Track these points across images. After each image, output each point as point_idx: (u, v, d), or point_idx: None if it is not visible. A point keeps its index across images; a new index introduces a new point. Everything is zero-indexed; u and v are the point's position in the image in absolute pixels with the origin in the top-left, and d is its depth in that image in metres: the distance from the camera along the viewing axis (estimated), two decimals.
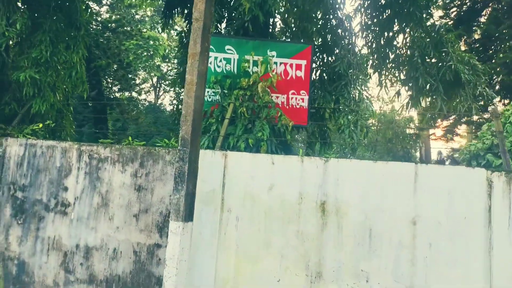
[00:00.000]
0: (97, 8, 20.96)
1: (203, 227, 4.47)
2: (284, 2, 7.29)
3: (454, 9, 16.90)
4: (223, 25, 6.90)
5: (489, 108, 4.14)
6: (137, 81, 24.03)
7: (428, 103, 7.31)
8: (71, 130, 7.31)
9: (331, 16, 6.52)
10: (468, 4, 16.17)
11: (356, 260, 3.96)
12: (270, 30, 7.11)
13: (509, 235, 3.59)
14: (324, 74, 7.09)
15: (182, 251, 4.05)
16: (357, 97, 6.24)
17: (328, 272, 4.02)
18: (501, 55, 12.33)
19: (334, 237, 4.07)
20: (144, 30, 20.44)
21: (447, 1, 15.94)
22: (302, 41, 6.81)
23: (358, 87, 6.34)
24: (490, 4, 15.55)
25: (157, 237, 4.66)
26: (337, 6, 6.55)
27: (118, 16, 20.96)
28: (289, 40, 7.61)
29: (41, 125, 5.93)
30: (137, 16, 21.34)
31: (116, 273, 4.69)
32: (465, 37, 15.50)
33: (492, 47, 13.88)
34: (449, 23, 16.29)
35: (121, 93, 23.06)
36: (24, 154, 5.14)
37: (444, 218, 3.78)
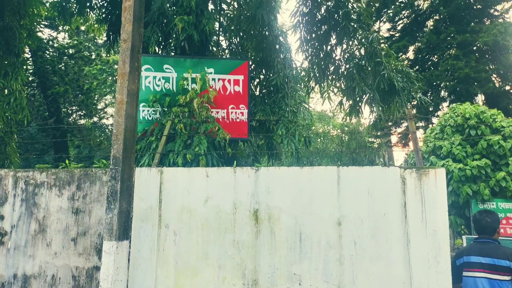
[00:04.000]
0: (53, 34, 20.69)
1: (141, 245, 4.46)
2: (220, 22, 7.57)
3: (401, 21, 17.90)
4: (162, 45, 7.07)
5: (407, 111, 4.45)
6: (101, 106, 23.69)
7: (371, 111, 7.66)
8: (15, 158, 7.15)
9: (267, 33, 6.84)
10: (412, 16, 17.17)
11: (289, 264, 4.07)
12: (211, 48, 7.34)
13: (423, 228, 3.82)
14: (264, 88, 7.37)
15: (117, 271, 4.04)
16: (294, 108, 6.50)
17: (264, 279, 4.10)
18: (441, 63, 13.13)
19: (268, 243, 4.18)
20: (108, 55, 20.29)
21: (392, 15, 16.87)
22: (239, 57, 7.06)
23: (294, 99, 6.62)
24: (432, 16, 16.59)
25: (96, 260, 4.61)
26: (272, 24, 6.89)
27: (76, 42, 20.74)
28: (227, 56, 7.88)
29: None
30: (100, 41, 21.18)
31: None
32: (411, 46, 16.41)
33: (435, 56, 14.77)
34: (396, 35, 17.27)
35: (87, 119, 22.67)
36: None
37: (366, 216, 3.97)
